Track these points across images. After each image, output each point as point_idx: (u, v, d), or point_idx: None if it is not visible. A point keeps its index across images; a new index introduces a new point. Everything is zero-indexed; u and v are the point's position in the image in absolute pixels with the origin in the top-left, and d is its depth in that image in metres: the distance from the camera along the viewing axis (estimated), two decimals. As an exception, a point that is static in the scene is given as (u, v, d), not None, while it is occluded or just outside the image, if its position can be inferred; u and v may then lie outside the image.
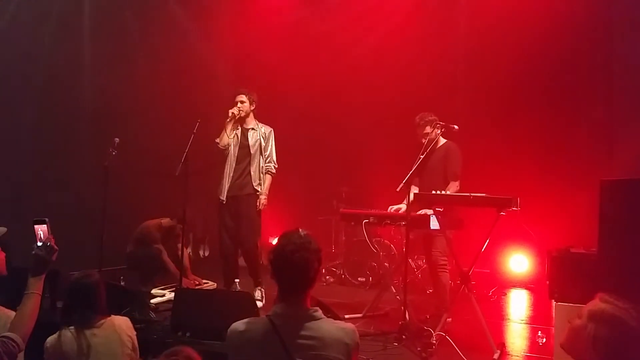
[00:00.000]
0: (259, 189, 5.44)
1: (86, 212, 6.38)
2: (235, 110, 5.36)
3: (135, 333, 2.90)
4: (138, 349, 2.90)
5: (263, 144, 5.47)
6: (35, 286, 2.39)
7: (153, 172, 7.33)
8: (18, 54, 6.86)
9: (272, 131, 5.56)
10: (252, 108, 5.48)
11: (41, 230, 2.45)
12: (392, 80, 7.50)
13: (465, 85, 7.26)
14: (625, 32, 6.47)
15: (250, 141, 5.45)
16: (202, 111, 6.69)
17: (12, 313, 2.43)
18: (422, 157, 4.75)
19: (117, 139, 5.75)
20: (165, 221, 6.16)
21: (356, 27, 7.74)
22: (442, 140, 5.10)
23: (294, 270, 2.05)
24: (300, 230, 2.16)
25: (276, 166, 5.55)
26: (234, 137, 5.45)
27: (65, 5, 7.32)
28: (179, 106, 7.93)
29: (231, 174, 5.44)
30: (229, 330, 2.11)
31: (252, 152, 5.43)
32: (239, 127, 5.48)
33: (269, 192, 5.50)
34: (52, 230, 2.47)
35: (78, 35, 7.47)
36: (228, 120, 5.39)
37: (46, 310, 2.54)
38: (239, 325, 2.09)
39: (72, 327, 2.73)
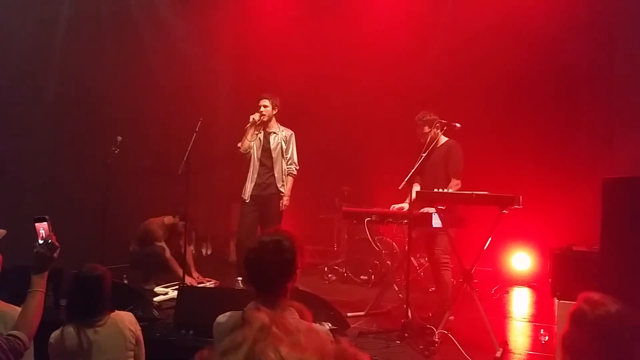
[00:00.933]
0: (282, 190, 5.67)
1: (88, 210, 6.39)
2: (256, 116, 5.56)
3: (139, 328, 2.90)
4: (143, 343, 2.90)
5: (284, 146, 5.71)
6: (39, 284, 2.40)
7: (155, 171, 7.35)
8: (18, 52, 6.87)
9: (293, 134, 5.80)
10: (275, 112, 5.70)
11: (42, 228, 2.45)
12: (393, 79, 7.50)
13: (467, 84, 7.24)
14: (626, 30, 6.46)
15: (272, 145, 5.68)
16: (204, 110, 6.71)
17: (18, 309, 2.44)
18: (423, 155, 4.76)
19: (119, 137, 5.77)
20: (168, 219, 6.17)
21: (356, 25, 7.72)
22: (444, 139, 5.09)
23: (263, 274, 2.10)
24: (275, 233, 2.19)
25: (297, 168, 5.79)
26: (257, 140, 5.68)
27: (69, 4, 7.33)
28: (181, 104, 7.94)
29: (255, 176, 5.67)
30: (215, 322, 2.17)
31: (274, 155, 5.67)
32: (262, 131, 5.71)
33: (290, 192, 5.74)
34: (54, 228, 2.48)
35: (82, 33, 7.47)
36: (248, 125, 5.59)
37: (50, 308, 2.53)
38: (221, 317, 2.20)
39: (74, 323, 2.73)
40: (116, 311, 2.87)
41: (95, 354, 2.68)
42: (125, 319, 2.86)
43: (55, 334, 2.74)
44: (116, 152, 5.72)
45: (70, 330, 2.71)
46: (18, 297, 2.52)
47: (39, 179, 6.93)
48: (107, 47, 7.65)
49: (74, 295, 2.85)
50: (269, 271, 2.08)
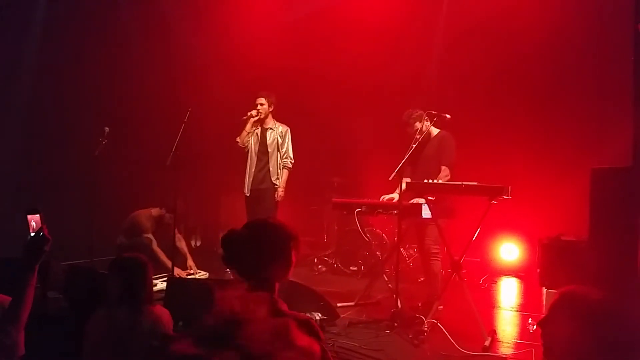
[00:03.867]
0: (277, 183, 5.91)
1: (76, 201, 6.34)
2: (253, 112, 5.82)
3: (172, 327, 2.87)
4: None
5: (280, 141, 5.95)
6: (28, 277, 2.36)
7: (144, 162, 7.30)
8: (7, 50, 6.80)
9: (289, 130, 6.03)
10: (271, 109, 5.94)
11: (34, 220, 2.42)
12: (382, 70, 7.49)
13: (456, 75, 7.26)
14: (615, 23, 6.48)
15: (269, 140, 5.93)
16: (192, 101, 6.65)
17: (7, 298, 2.41)
18: (414, 146, 4.76)
19: (107, 128, 5.72)
20: (155, 211, 6.14)
21: (346, 17, 7.69)
22: (436, 130, 5.10)
23: (242, 258, 1.95)
24: (264, 219, 2.06)
25: (292, 161, 6.02)
26: (254, 136, 5.93)
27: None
28: (169, 95, 7.88)
29: (252, 170, 5.94)
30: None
31: (269, 150, 5.91)
32: (259, 127, 5.96)
33: (285, 185, 5.95)
34: (45, 220, 2.45)
35: (70, 26, 7.38)
36: (245, 118, 5.82)
37: (37, 301, 2.48)
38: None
39: (119, 307, 2.69)
40: (157, 305, 2.85)
41: (134, 343, 2.60)
42: (165, 315, 2.82)
43: (96, 316, 2.69)
44: (104, 143, 5.66)
45: (115, 313, 2.66)
46: (7, 290, 2.50)
47: (25, 171, 6.86)
48: (94, 39, 7.56)
49: (119, 279, 2.74)
50: (247, 251, 1.93)
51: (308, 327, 1.80)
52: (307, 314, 4.14)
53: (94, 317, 2.69)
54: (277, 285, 1.97)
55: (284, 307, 1.88)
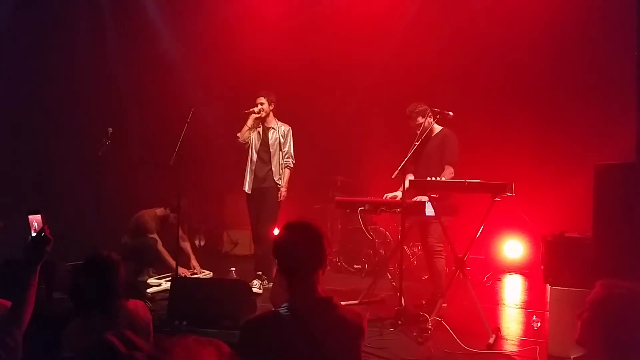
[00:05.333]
0: (280, 183, 5.86)
1: (81, 202, 6.36)
2: (255, 109, 5.77)
3: (151, 317, 2.76)
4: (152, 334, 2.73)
5: (282, 141, 5.90)
6: (30, 277, 2.37)
7: (147, 162, 7.31)
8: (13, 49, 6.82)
9: (290, 129, 5.97)
10: (271, 108, 5.86)
11: (35, 220, 2.42)
12: (385, 68, 7.47)
13: (460, 72, 7.23)
14: (619, 18, 6.46)
15: (270, 140, 5.87)
16: (196, 100, 6.67)
17: (6, 303, 2.41)
18: (417, 144, 4.76)
19: (110, 129, 5.73)
20: (160, 210, 6.15)
21: (349, 16, 7.67)
22: (438, 128, 5.09)
23: (300, 261, 2.05)
24: (302, 220, 2.15)
25: (294, 161, 5.96)
26: (256, 135, 5.88)
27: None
28: (172, 95, 7.88)
29: (254, 169, 5.88)
30: (243, 326, 2.07)
31: (271, 150, 5.86)
32: (261, 126, 5.89)
33: (288, 184, 5.92)
34: (46, 221, 2.45)
35: (72, 26, 7.40)
36: (246, 112, 5.77)
37: (42, 301, 2.47)
38: (253, 321, 2.10)
39: (86, 313, 2.59)
40: (131, 300, 2.72)
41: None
42: (140, 308, 2.71)
43: (71, 325, 2.59)
44: (107, 143, 5.68)
45: (86, 320, 2.56)
46: (9, 291, 2.50)
47: (30, 172, 6.89)
48: (97, 39, 7.59)
49: (84, 281, 2.64)
50: (304, 254, 2.05)
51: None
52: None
53: (70, 328, 2.57)
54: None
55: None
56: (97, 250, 2.77)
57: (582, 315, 1.93)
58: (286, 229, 2.13)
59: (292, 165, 5.93)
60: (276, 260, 2.13)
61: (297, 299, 2.05)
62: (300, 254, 2.05)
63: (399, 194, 4.88)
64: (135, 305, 2.69)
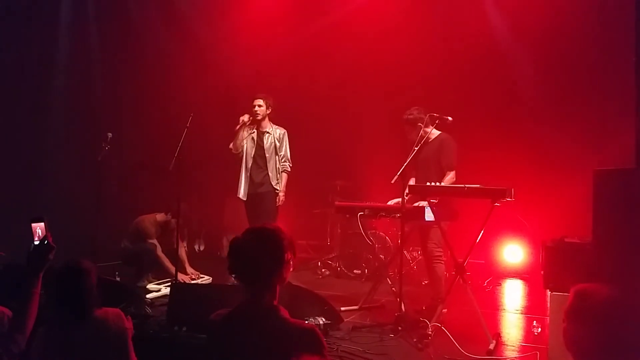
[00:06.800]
0: (277, 187, 5.78)
1: (80, 207, 6.35)
2: (245, 117, 5.65)
3: (128, 326, 2.62)
4: (129, 343, 2.59)
5: (278, 145, 5.81)
6: (33, 284, 2.37)
7: (147, 167, 7.31)
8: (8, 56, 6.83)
9: (286, 133, 5.89)
10: (269, 112, 5.78)
11: (39, 228, 2.42)
12: (385, 73, 7.48)
13: (459, 77, 7.25)
14: (617, 22, 6.47)
15: (266, 144, 5.79)
16: (195, 105, 6.68)
17: (4, 309, 2.40)
18: (416, 149, 4.76)
19: (110, 134, 5.74)
20: (160, 216, 6.14)
21: (348, 22, 7.70)
22: (436, 133, 5.09)
23: (247, 267, 2.02)
24: (263, 226, 2.12)
25: (291, 165, 5.89)
26: (250, 139, 5.79)
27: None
28: (172, 100, 7.90)
29: (248, 174, 5.78)
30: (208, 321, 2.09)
31: (267, 154, 5.78)
32: (255, 130, 5.80)
33: (285, 189, 5.84)
34: (49, 228, 2.45)
35: (71, 32, 7.42)
36: (239, 127, 5.68)
37: (41, 307, 2.46)
38: (216, 315, 2.12)
39: (57, 321, 2.52)
40: (103, 308, 2.61)
41: (77, 354, 2.44)
42: (111, 316, 2.58)
43: (39, 331, 2.51)
44: (107, 148, 5.68)
45: (51, 328, 2.50)
46: (9, 295, 2.50)
47: (30, 177, 6.88)
48: (96, 45, 7.60)
49: (55, 291, 2.55)
50: (250, 260, 1.99)
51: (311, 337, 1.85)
52: (311, 319, 4.14)
53: (37, 338, 2.47)
54: (278, 289, 2.03)
55: (285, 314, 1.90)
56: (69, 259, 2.62)
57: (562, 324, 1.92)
58: (243, 234, 2.08)
59: (289, 169, 5.87)
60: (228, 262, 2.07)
61: (243, 303, 2.04)
62: (251, 263, 2.00)
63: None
64: (105, 314, 2.55)
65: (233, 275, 2.11)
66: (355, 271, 6.73)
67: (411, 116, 5.01)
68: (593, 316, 1.78)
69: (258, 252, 1.99)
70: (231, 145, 5.77)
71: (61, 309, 2.55)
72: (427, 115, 4.95)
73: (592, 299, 1.80)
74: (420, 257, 6.30)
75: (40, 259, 2.38)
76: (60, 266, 2.61)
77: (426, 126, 4.94)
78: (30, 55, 7.14)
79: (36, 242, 2.39)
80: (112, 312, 2.61)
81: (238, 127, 5.67)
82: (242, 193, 5.79)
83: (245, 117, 5.65)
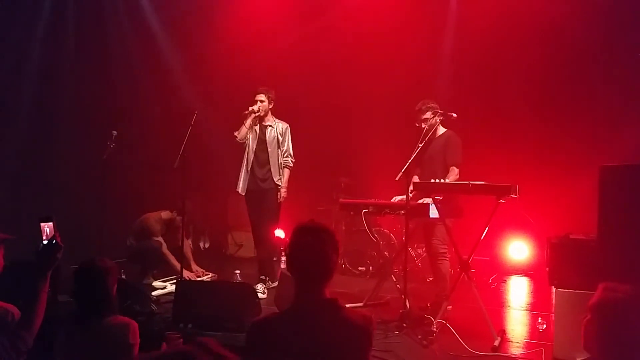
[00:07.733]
0: (279, 183, 5.70)
1: (86, 205, 6.38)
2: (255, 107, 5.59)
3: (135, 342, 2.52)
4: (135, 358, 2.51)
5: (280, 139, 5.73)
6: (41, 283, 2.38)
7: (152, 165, 7.33)
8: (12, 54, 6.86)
9: (289, 127, 5.81)
10: (271, 106, 5.72)
11: (47, 227, 2.44)
12: (389, 70, 7.47)
13: (463, 73, 7.23)
14: (624, 18, 6.45)
15: (268, 138, 5.70)
16: (199, 103, 6.69)
17: (9, 306, 2.42)
18: (420, 145, 4.75)
19: (115, 132, 5.75)
20: (165, 213, 6.16)
21: (352, 16, 7.68)
22: (442, 129, 5.09)
23: (312, 263, 2.07)
24: (313, 221, 2.19)
25: (293, 160, 5.80)
26: (252, 133, 5.69)
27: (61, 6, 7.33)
28: (176, 98, 7.91)
29: (249, 169, 5.70)
30: (249, 328, 2.07)
31: (269, 149, 5.69)
32: (258, 124, 5.72)
33: (288, 185, 5.77)
34: (58, 228, 2.46)
35: (76, 30, 7.44)
36: (247, 112, 5.59)
37: (48, 304, 2.47)
38: (259, 322, 2.10)
39: (70, 323, 2.53)
40: (117, 317, 2.56)
41: (77, 355, 2.43)
42: (119, 329, 2.49)
43: (59, 334, 2.53)
44: (112, 146, 5.70)
45: (67, 330, 2.52)
46: (16, 292, 2.51)
47: (36, 175, 6.91)
48: (101, 42, 7.62)
49: (73, 291, 2.56)
50: (321, 258, 2.09)
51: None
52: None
53: (59, 337, 2.50)
54: None
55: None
56: (89, 259, 2.63)
57: (584, 318, 1.94)
58: (300, 232, 2.13)
59: (291, 165, 5.77)
60: (286, 262, 2.14)
61: (303, 300, 2.06)
62: (313, 258, 2.07)
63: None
64: (113, 323, 2.51)
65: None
66: (359, 268, 6.74)
67: (426, 105, 5.00)
68: (618, 312, 1.82)
69: (326, 249, 2.10)
70: (236, 133, 5.66)
71: (76, 311, 2.55)
72: (436, 109, 4.95)
73: (619, 295, 1.85)
74: (424, 254, 6.30)
75: (48, 258, 2.40)
76: (83, 263, 2.60)
77: (434, 119, 4.92)
78: (34, 52, 7.16)
79: (45, 242, 2.40)
80: (122, 323, 2.53)
81: (246, 112, 5.57)
82: (241, 187, 5.72)
83: (255, 107, 5.57)
